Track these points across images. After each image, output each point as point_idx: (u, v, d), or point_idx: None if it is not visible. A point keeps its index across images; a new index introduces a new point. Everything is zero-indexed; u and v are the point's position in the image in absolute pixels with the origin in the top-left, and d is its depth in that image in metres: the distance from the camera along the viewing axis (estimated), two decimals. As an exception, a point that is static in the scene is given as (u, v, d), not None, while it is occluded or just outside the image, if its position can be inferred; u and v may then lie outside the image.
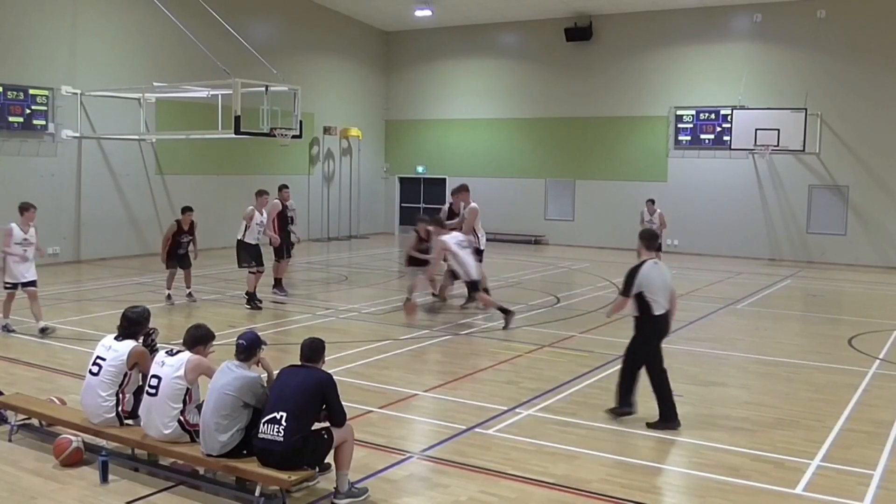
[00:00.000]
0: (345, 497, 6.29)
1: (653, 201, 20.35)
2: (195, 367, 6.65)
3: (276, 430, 6.07)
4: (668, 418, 8.22)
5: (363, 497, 6.36)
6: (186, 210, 15.18)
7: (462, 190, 15.68)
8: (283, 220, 15.98)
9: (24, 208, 12.36)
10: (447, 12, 27.46)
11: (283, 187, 16.36)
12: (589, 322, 13.82)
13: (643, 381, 8.42)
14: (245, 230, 14.89)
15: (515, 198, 28.23)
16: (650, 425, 8.22)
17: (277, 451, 6.07)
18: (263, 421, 6.16)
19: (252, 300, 14.71)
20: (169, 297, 14.88)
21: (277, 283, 15.97)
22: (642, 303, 8.20)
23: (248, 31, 22.08)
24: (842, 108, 23.47)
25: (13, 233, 12.11)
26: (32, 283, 12.25)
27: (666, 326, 8.39)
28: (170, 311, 14.00)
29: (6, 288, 12.28)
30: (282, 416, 6.08)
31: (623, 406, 8.44)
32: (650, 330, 8.31)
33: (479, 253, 14.62)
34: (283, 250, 15.97)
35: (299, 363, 6.44)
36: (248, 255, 14.89)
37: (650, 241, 8.58)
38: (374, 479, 6.70)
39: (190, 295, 15.14)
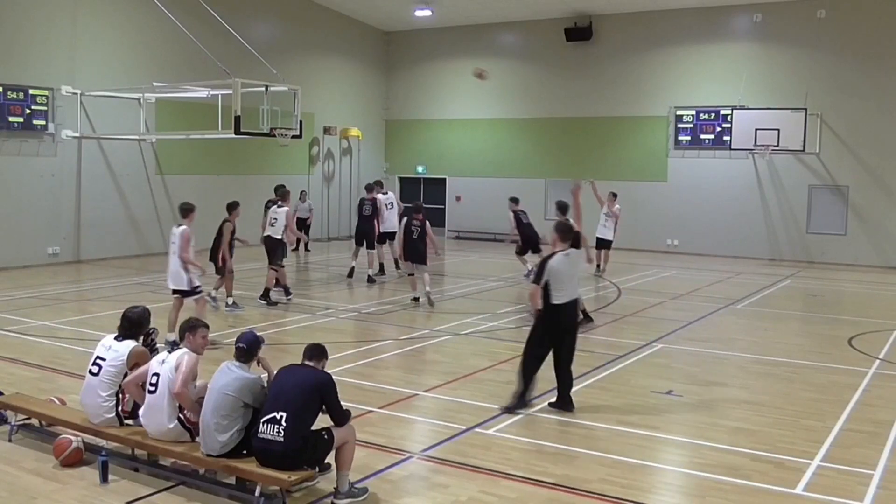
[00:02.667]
0: (345, 497, 6.29)
1: (615, 195, 19.95)
2: (179, 365, 6.65)
3: (276, 429, 6.07)
4: (563, 403, 8.69)
5: (363, 497, 6.36)
6: (235, 206, 14.33)
7: (377, 184, 19.23)
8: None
9: (190, 209, 11.72)
10: (447, 12, 27.46)
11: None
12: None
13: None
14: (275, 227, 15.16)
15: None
16: (552, 405, 8.78)
17: (278, 451, 6.07)
18: (263, 420, 6.16)
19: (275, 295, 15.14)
20: (234, 303, 14.35)
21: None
22: (545, 292, 8.49)
23: (247, 30, 22.07)
24: (842, 108, 23.47)
25: (191, 237, 11.50)
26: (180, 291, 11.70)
27: (565, 316, 8.55)
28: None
29: (197, 292, 11.69)
30: (281, 416, 6.08)
31: (517, 403, 8.61)
32: (548, 319, 8.54)
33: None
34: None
35: (299, 362, 6.46)
36: (283, 252, 15.39)
37: (564, 233, 8.73)
38: (374, 479, 6.71)
39: (235, 304, 14.42)
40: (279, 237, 15.17)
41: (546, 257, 8.60)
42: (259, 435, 6.17)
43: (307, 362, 6.44)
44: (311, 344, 6.58)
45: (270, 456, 6.12)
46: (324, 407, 6.27)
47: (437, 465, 7.15)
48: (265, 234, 15.37)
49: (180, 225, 11.68)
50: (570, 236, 8.70)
